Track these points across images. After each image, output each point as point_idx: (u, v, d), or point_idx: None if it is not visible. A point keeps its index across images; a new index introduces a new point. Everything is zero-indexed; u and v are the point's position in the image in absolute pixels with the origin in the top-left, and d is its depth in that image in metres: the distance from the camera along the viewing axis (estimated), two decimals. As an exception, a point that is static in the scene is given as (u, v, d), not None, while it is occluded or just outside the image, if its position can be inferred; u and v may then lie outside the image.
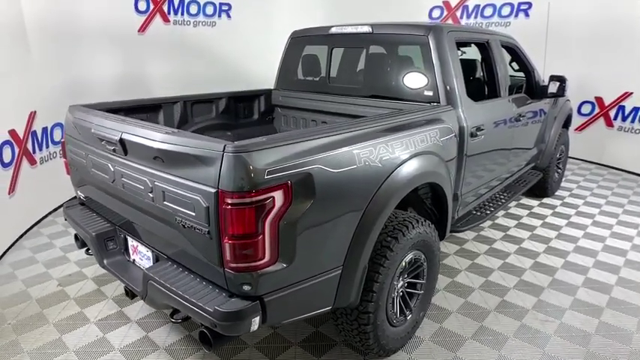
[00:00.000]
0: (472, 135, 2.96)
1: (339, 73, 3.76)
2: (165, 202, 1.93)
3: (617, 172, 6.24)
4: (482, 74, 3.82)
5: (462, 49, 3.56)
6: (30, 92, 4.26)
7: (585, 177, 5.99)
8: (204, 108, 3.64)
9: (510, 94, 3.72)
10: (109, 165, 2.24)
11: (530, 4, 6.71)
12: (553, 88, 4.09)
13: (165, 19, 6.07)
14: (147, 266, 2.30)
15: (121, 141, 2.08)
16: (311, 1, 7.17)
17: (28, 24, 4.25)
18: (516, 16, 6.85)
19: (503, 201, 3.95)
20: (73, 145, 2.63)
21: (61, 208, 3.21)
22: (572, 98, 5.35)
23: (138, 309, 3.01)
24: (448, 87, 2.93)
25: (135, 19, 5.76)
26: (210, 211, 1.71)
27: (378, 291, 2.22)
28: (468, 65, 3.67)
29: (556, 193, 5.25)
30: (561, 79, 4.06)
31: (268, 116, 4.09)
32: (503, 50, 3.80)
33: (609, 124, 6.42)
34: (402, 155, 2.30)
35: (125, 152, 2.11)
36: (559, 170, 5.25)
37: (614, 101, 6.30)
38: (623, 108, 6.23)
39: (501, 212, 4.69)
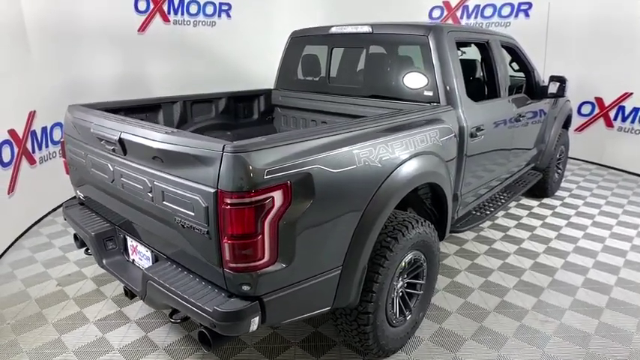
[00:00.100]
0: (472, 135, 2.96)
1: (339, 73, 3.75)
2: (164, 202, 1.92)
3: (617, 172, 6.23)
4: (482, 74, 3.82)
5: (462, 49, 3.56)
6: (30, 92, 4.26)
7: (585, 177, 5.99)
8: (204, 108, 3.64)
9: (510, 94, 3.71)
10: (109, 165, 2.24)
11: (530, 5, 6.70)
12: (553, 88, 4.09)
13: (165, 19, 6.07)
14: (146, 266, 2.29)
15: (121, 141, 2.08)
16: (311, 1, 7.17)
17: (28, 24, 4.25)
18: (516, 16, 6.84)
19: (503, 201, 3.95)
20: (72, 145, 2.63)
21: (61, 208, 3.21)
22: (572, 98, 5.35)
23: (137, 309, 3.00)
24: (448, 87, 2.93)
25: (135, 19, 5.76)
26: (210, 211, 1.70)
27: (377, 291, 2.22)
28: (467, 65, 3.67)
29: (556, 194, 5.25)
30: (561, 80, 4.05)
31: (268, 116, 4.09)
32: (503, 50, 3.80)
33: (609, 124, 6.42)
34: (402, 155, 2.30)
35: (124, 152, 2.11)
36: (559, 171, 5.25)
37: (614, 101, 6.30)
38: (623, 108, 6.23)
39: (501, 212, 4.69)
